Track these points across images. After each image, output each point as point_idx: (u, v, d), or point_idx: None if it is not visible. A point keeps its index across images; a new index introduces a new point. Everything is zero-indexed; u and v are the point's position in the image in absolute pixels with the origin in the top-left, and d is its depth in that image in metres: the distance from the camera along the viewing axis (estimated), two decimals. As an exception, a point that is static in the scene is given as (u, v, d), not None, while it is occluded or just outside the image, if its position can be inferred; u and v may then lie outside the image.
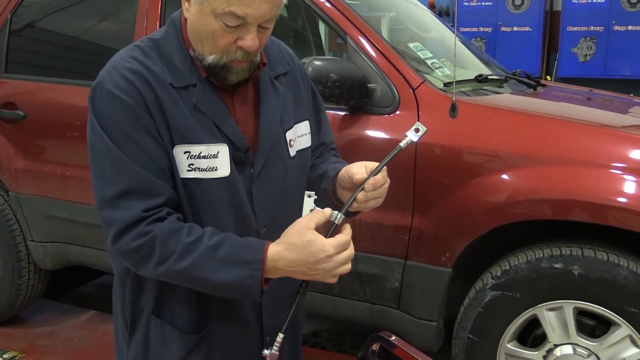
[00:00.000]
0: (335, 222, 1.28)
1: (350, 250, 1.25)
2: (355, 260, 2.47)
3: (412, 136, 1.36)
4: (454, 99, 2.12)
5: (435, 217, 2.29)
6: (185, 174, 1.29)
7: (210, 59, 1.28)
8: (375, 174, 1.32)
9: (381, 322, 2.49)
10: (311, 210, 1.28)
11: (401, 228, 2.36)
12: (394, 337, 1.58)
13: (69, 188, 2.96)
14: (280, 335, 1.32)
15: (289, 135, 1.45)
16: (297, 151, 1.48)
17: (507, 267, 2.22)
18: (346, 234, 1.26)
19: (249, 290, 1.23)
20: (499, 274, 2.23)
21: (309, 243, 1.22)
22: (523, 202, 2.14)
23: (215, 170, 1.30)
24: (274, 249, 1.24)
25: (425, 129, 1.36)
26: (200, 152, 1.29)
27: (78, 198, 2.94)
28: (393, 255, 2.40)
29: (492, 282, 2.23)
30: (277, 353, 1.33)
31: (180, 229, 1.25)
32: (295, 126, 1.48)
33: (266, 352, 1.35)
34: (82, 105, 3.05)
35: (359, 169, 1.36)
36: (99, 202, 1.27)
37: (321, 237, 1.23)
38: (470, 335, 2.29)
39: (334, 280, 1.26)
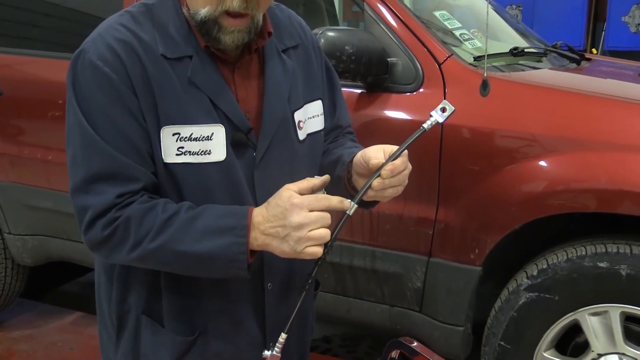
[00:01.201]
0: (348, 212, 1.28)
1: (327, 213, 1.25)
2: (372, 257, 2.51)
3: (437, 116, 1.35)
4: (485, 75, 2.11)
5: (463, 208, 2.29)
6: (173, 158, 1.29)
7: (204, 12, 1.27)
8: (394, 159, 1.32)
9: (401, 327, 2.49)
10: None
11: (424, 221, 2.36)
12: (415, 344, 1.58)
13: (51, 174, 2.98)
14: (283, 336, 1.33)
15: (298, 116, 1.44)
16: (308, 134, 1.47)
17: (545, 266, 2.21)
18: (326, 195, 1.27)
19: (234, 259, 1.24)
20: (535, 273, 2.23)
21: (281, 198, 1.24)
22: (563, 193, 2.13)
23: (208, 154, 1.30)
24: (255, 211, 1.26)
25: (453, 108, 1.35)
26: (192, 134, 1.29)
27: (61, 186, 2.95)
28: (415, 251, 2.40)
29: (527, 282, 2.23)
30: (279, 355, 1.34)
31: (155, 206, 1.26)
32: (305, 106, 1.47)
33: (267, 353, 1.35)
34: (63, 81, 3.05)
35: (376, 153, 1.36)
36: (72, 188, 1.29)
37: (293, 192, 1.25)
38: (502, 343, 2.29)
39: (315, 251, 1.23)
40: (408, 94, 2.38)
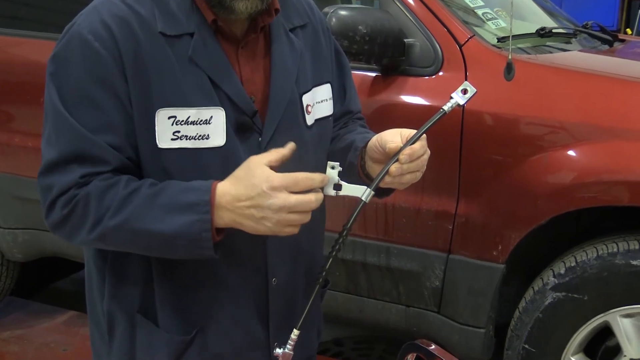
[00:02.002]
0: (364, 199, 1.29)
1: (312, 196, 1.24)
2: (387, 253, 2.51)
3: (458, 98, 1.35)
4: (510, 57, 2.10)
5: (486, 201, 2.29)
6: (168, 143, 1.29)
7: None
8: (413, 143, 1.32)
9: (418, 329, 2.50)
10: (335, 185, 1.29)
11: (443, 215, 2.36)
12: (433, 346, 1.58)
13: (43, 164, 2.99)
14: (295, 332, 1.33)
15: (306, 99, 1.45)
16: (316, 120, 1.48)
17: (573, 264, 2.21)
18: (310, 174, 1.25)
19: (198, 239, 1.24)
20: (562, 271, 2.22)
21: (254, 175, 1.23)
22: (594, 185, 2.13)
23: (207, 138, 1.31)
24: (221, 186, 1.25)
25: (475, 90, 1.35)
26: (189, 117, 1.29)
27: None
28: (433, 247, 2.40)
29: (554, 281, 2.23)
30: (292, 353, 1.34)
31: (116, 183, 1.27)
32: (313, 89, 1.47)
33: (278, 351, 1.35)
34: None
35: (393, 137, 1.36)
36: (41, 168, 1.31)
37: (269, 170, 1.23)
38: (527, 346, 2.29)
39: (292, 231, 1.24)
40: (426, 77, 2.37)
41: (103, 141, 1.27)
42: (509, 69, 2.08)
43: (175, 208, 1.24)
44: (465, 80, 2.29)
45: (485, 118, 2.26)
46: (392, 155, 1.33)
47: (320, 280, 1.33)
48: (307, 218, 1.25)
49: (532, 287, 2.30)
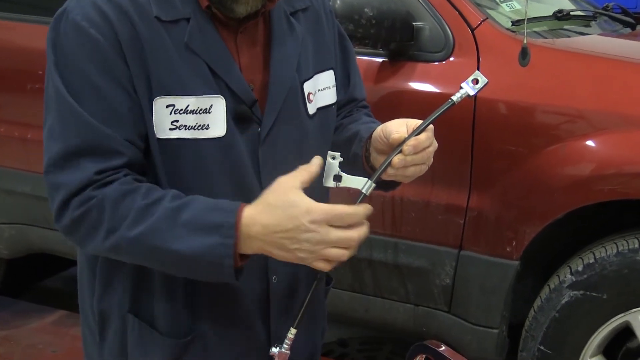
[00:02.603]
0: (364, 192, 1.29)
1: (355, 232, 1.21)
2: (394, 249, 2.51)
3: (468, 88, 1.35)
4: (525, 41, 2.10)
5: (499, 194, 2.29)
6: (166, 133, 1.29)
7: None
8: (418, 133, 1.32)
9: (427, 329, 2.51)
10: (335, 177, 1.29)
11: (454, 208, 2.36)
12: (443, 348, 1.59)
13: (31, 155, 3.00)
14: (292, 331, 1.33)
15: (308, 87, 1.44)
16: (318, 109, 1.47)
17: (591, 260, 2.21)
18: (355, 208, 1.22)
19: (219, 263, 1.22)
20: (580, 268, 2.23)
21: (291, 204, 1.20)
22: (614, 177, 2.13)
23: (206, 128, 1.30)
24: (250, 212, 1.23)
25: (486, 80, 1.35)
26: (188, 106, 1.29)
27: (42, 167, 2.96)
28: (443, 243, 2.41)
29: (571, 279, 2.23)
30: (288, 352, 1.35)
31: (136, 190, 1.25)
32: (315, 76, 1.47)
33: (274, 350, 1.35)
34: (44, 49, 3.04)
35: (398, 127, 1.36)
36: (46, 164, 1.29)
37: (308, 199, 1.21)
38: (542, 347, 2.30)
39: (324, 266, 1.23)
40: (436, 63, 2.37)
41: (115, 132, 1.26)
42: (524, 54, 2.07)
43: (198, 227, 1.23)
44: (478, 66, 2.30)
45: (498, 106, 2.26)
46: (396, 147, 1.33)
47: (319, 276, 1.34)
48: (346, 256, 1.22)
49: (548, 285, 2.30)
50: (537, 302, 2.32)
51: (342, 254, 1.21)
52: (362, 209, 1.23)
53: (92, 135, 1.25)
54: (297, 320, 1.33)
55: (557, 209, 2.21)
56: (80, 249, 1.34)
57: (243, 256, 1.25)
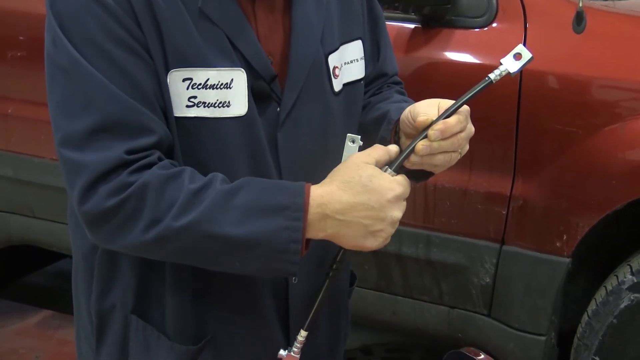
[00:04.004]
0: None
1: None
2: (427, 243, 2.51)
3: (509, 64, 1.34)
4: (580, 4, 2.09)
5: (548, 181, 2.29)
6: (183, 110, 1.30)
7: None
8: (447, 116, 1.31)
9: (464, 334, 2.51)
10: None
11: (496, 197, 2.36)
12: (482, 356, 1.59)
13: (12, 133, 3.02)
14: (303, 334, 1.34)
15: (333, 60, 1.45)
16: (344, 85, 1.48)
17: (655, 258, 2.21)
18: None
19: (284, 250, 1.24)
20: (642, 267, 2.22)
21: (371, 178, 1.24)
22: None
23: (227, 106, 1.31)
24: (321, 191, 1.26)
25: (530, 55, 1.33)
26: (208, 80, 1.29)
27: (25, 148, 2.99)
28: (483, 237, 2.41)
29: (631, 279, 2.23)
30: (297, 356, 1.36)
31: (179, 174, 1.25)
32: (341, 48, 1.47)
33: (282, 353, 1.37)
34: (30, 12, 3.04)
35: (426, 109, 1.36)
36: (61, 142, 1.27)
37: (387, 174, 1.27)
38: (597, 358, 2.29)
39: (381, 241, 1.29)
40: (477, 29, 2.37)
41: (141, 105, 1.25)
42: (579, 19, 2.07)
43: (260, 210, 1.24)
44: (524, 33, 2.29)
45: (548, 80, 2.25)
46: (421, 131, 1.32)
47: (330, 273, 1.35)
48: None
49: (605, 287, 2.29)
50: (592, 306, 2.32)
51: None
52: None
53: (117, 109, 1.24)
54: (307, 322, 1.34)
55: (616, 199, 2.20)
56: (109, 244, 1.30)
57: (307, 243, 1.27)
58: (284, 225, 1.23)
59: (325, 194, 1.25)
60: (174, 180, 1.24)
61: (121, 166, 1.23)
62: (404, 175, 1.28)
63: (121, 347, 1.44)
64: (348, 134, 1.31)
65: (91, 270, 1.44)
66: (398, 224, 1.27)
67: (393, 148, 1.30)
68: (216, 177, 1.27)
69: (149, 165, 1.24)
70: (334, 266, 1.35)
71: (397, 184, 1.25)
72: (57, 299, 3.56)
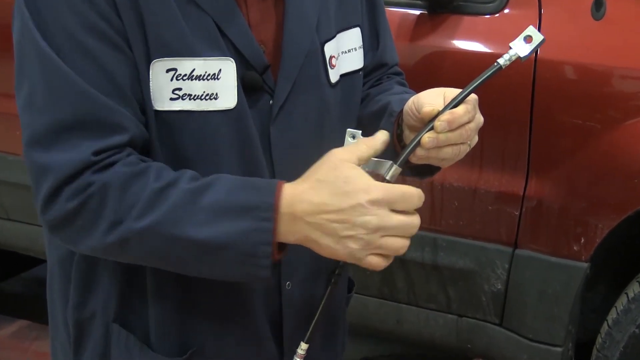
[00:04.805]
0: (387, 177, 1.29)
1: (417, 218, 1.23)
2: (433, 247, 2.51)
3: (519, 48, 1.34)
4: (599, -12, 2.10)
5: (564, 180, 2.29)
6: (167, 104, 1.29)
7: None
8: (454, 106, 1.31)
9: (473, 345, 2.52)
10: None
11: (508, 197, 2.36)
12: (493, 370, 1.60)
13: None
14: (303, 346, 1.34)
15: (329, 49, 1.45)
16: (342, 75, 1.48)
17: (680, 263, 2.21)
18: (416, 189, 1.23)
19: (253, 254, 1.23)
20: (665, 273, 2.23)
21: (346, 180, 1.21)
22: None
23: (215, 98, 1.31)
24: (292, 190, 1.24)
25: (542, 37, 1.33)
26: (194, 70, 1.29)
27: (22, 143, 2.99)
28: (494, 240, 2.41)
29: (654, 285, 2.23)
30: None
31: (144, 172, 1.25)
32: (338, 36, 1.47)
33: None
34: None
35: (432, 98, 1.36)
36: (28, 140, 1.27)
37: (367, 176, 1.22)
38: (617, 370, 2.30)
39: (379, 262, 1.23)
40: (487, 16, 2.37)
41: (115, 102, 1.25)
42: (598, 4, 2.07)
43: (227, 210, 1.23)
44: (539, 19, 2.29)
45: (564, 70, 2.25)
46: (427, 122, 1.32)
47: (334, 280, 1.34)
48: (404, 247, 1.23)
49: (626, 294, 2.29)
50: (612, 315, 2.32)
51: (403, 245, 1.22)
52: (420, 191, 1.24)
53: (87, 106, 1.24)
54: (308, 333, 1.34)
55: (638, 199, 2.20)
56: (72, 247, 1.31)
57: (281, 248, 1.26)
58: (253, 226, 1.22)
59: (297, 193, 1.23)
60: (137, 179, 1.24)
61: (87, 168, 1.23)
62: (395, 185, 1.23)
63: (101, 358, 1.44)
64: (348, 129, 1.30)
65: (68, 276, 1.44)
66: (378, 232, 1.21)
67: (379, 139, 1.27)
68: (184, 174, 1.26)
69: (115, 163, 1.25)
70: (337, 271, 1.34)
71: (375, 188, 1.21)
72: (34, 308, 3.56)
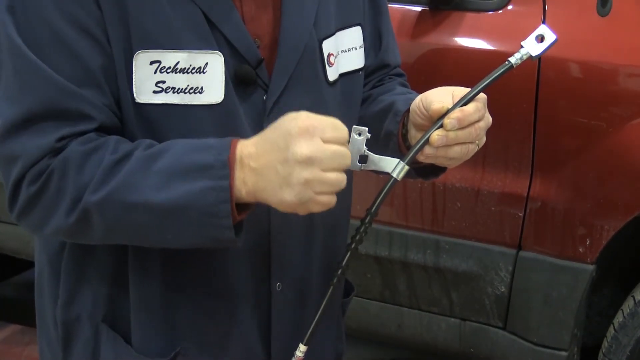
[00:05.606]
0: (395, 176, 1.29)
1: (345, 149, 1.22)
2: (435, 249, 2.51)
3: (530, 48, 1.34)
4: (605, -16, 2.10)
5: (569, 180, 2.29)
6: (149, 97, 1.30)
7: None
8: (464, 104, 1.32)
9: (476, 350, 2.52)
10: (360, 157, 1.28)
11: (512, 198, 2.36)
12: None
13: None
14: (302, 348, 1.34)
15: (328, 46, 1.45)
16: (341, 75, 1.48)
17: (688, 265, 2.21)
18: (337, 123, 1.23)
19: (213, 212, 1.22)
20: (673, 275, 2.23)
21: (284, 119, 1.22)
22: None
23: (200, 92, 1.31)
24: (245, 142, 1.24)
25: (555, 37, 1.34)
26: (178, 63, 1.29)
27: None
28: (498, 242, 2.41)
29: (661, 288, 2.23)
30: None
31: (101, 146, 1.26)
32: (338, 34, 1.47)
33: None
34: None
35: (441, 96, 1.36)
36: (1, 132, 1.29)
37: (302, 112, 1.23)
38: (624, 375, 2.30)
39: (330, 200, 1.21)
40: (490, 12, 2.37)
41: (84, 91, 1.26)
42: (604, 0, 2.07)
43: (181, 172, 1.23)
44: (543, 15, 2.29)
45: (570, 67, 2.25)
46: (436, 120, 1.33)
47: (335, 281, 1.34)
48: (342, 184, 1.22)
49: (633, 297, 2.29)
50: (618, 318, 2.32)
51: (340, 178, 1.21)
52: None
53: (56, 95, 1.25)
54: (307, 335, 1.33)
55: (645, 200, 2.20)
56: (40, 237, 1.32)
57: (243, 209, 1.25)
58: (209, 185, 1.22)
59: (247, 144, 1.23)
60: (94, 154, 1.25)
61: (49, 153, 1.25)
62: (323, 116, 1.22)
63: (91, 357, 1.44)
64: (354, 126, 1.29)
65: (57, 275, 1.44)
66: (314, 166, 1.19)
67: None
68: (140, 144, 1.27)
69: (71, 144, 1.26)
70: (339, 271, 1.34)
71: (303, 114, 1.21)
72: (26, 313, 3.55)
